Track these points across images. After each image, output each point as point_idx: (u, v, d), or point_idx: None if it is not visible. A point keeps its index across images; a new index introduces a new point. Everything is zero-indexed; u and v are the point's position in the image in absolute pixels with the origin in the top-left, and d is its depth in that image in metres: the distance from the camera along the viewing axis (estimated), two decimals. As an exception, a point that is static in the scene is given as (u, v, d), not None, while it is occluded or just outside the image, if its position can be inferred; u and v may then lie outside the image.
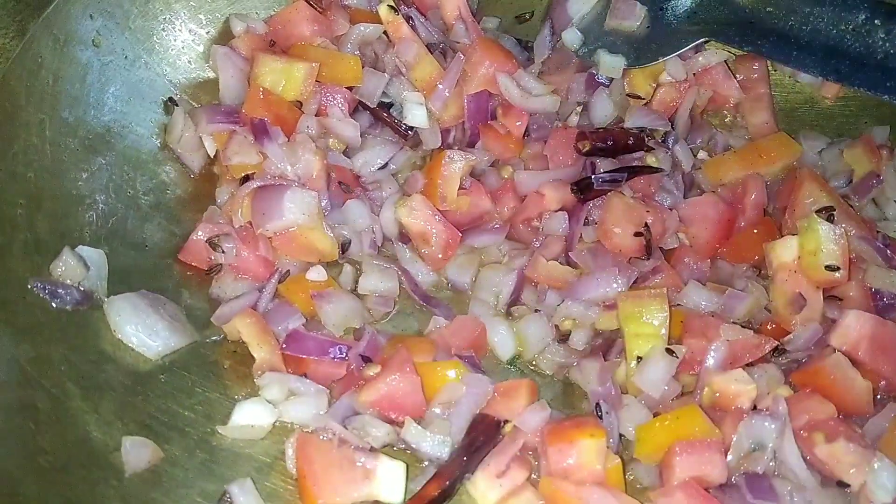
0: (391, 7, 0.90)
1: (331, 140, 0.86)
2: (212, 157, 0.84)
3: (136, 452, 0.63)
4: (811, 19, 0.82)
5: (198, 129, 0.82)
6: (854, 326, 0.73)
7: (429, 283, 0.85)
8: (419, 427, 0.71)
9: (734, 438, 0.69)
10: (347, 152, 0.87)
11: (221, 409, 0.72)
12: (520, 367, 0.80)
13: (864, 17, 0.75)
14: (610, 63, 0.88)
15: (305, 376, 0.73)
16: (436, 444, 0.71)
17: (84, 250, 0.72)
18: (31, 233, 0.71)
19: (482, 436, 0.72)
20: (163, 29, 0.87)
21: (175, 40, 0.88)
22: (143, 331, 0.71)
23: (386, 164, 0.88)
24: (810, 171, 0.85)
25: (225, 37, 0.92)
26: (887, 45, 0.77)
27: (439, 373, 0.74)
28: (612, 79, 0.91)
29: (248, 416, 0.69)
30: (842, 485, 0.68)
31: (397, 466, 0.68)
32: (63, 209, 0.74)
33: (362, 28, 0.90)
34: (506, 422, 0.71)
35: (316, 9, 0.88)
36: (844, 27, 0.80)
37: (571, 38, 0.90)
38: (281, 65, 0.84)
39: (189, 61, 0.89)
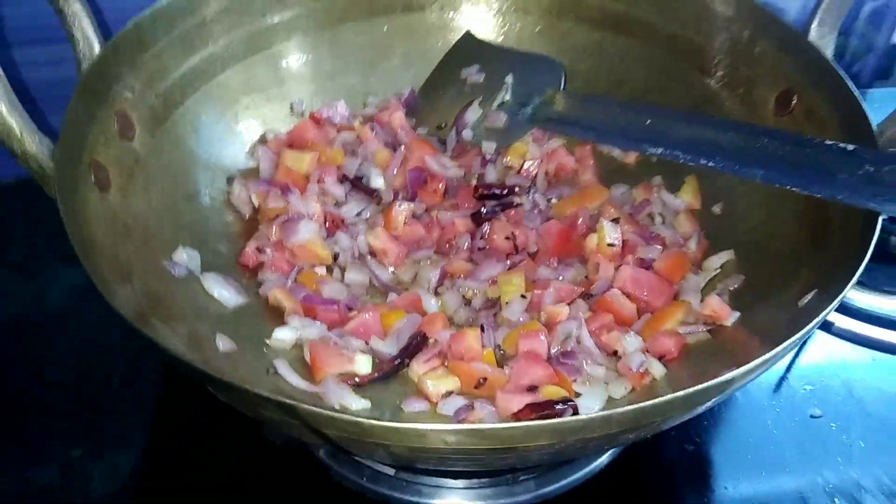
0: (362, 123, 1.50)
1: (326, 197, 1.43)
2: (256, 208, 1.40)
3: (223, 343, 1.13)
4: (604, 118, 1.39)
5: (249, 192, 1.38)
6: (622, 273, 1.22)
7: (387, 278, 1.36)
8: (378, 340, 1.21)
9: (557, 331, 1.19)
10: (337, 206, 1.44)
11: (266, 333, 1.22)
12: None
13: (618, 108, 1.31)
14: (486, 146, 1.43)
15: (315, 318, 1.24)
16: (387, 346, 1.21)
17: (188, 249, 1.24)
18: (161, 239, 1.24)
19: (414, 343, 1.22)
20: (231, 141, 1.47)
21: (234, 145, 1.47)
22: (223, 292, 1.22)
23: (360, 212, 1.44)
24: (609, 201, 1.39)
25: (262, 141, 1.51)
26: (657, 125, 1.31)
27: (392, 315, 1.25)
28: (496, 157, 1.49)
29: (282, 335, 1.19)
30: (615, 353, 1.17)
31: (368, 358, 1.17)
32: (174, 232, 1.28)
33: (344, 135, 1.49)
34: (423, 334, 1.21)
35: (317, 125, 1.47)
36: (626, 119, 1.36)
37: (467, 135, 1.48)
38: (296, 154, 1.42)
39: (240, 156, 1.47)
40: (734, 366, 0.88)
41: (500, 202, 1.38)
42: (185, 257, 1.21)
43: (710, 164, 1.16)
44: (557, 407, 1.04)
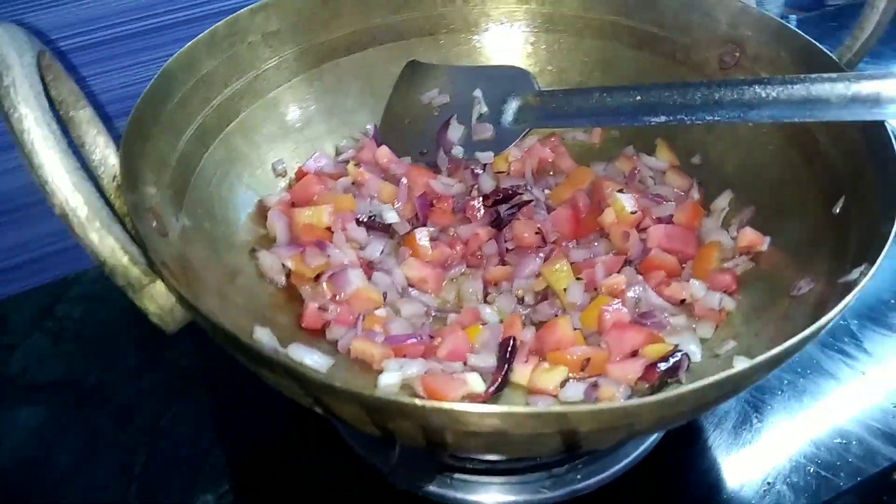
0: (356, 164, 1.51)
1: (352, 243, 1.42)
2: (288, 273, 1.36)
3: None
4: (580, 104, 1.50)
5: (281, 258, 1.34)
6: (655, 233, 1.36)
7: (434, 304, 1.40)
8: (473, 356, 1.25)
9: (626, 298, 1.29)
10: (362, 249, 1.44)
11: (364, 384, 1.21)
12: (505, 324, 1.36)
13: (598, 94, 1.45)
14: (484, 157, 1.51)
15: (405, 356, 1.24)
16: (484, 360, 1.25)
17: (258, 328, 1.18)
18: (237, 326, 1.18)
19: (505, 349, 1.27)
20: (236, 216, 1.41)
21: (239, 219, 1.42)
22: (314, 357, 1.18)
23: (382, 250, 1.45)
24: (602, 177, 1.52)
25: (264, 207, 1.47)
26: (609, 100, 1.45)
27: (472, 331, 1.29)
28: (485, 166, 1.57)
29: (388, 380, 1.19)
30: (682, 302, 1.30)
31: (477, 376, 1.20)
32: (238, 316, 1.22)
33: (342, 182, 1.49)
34: (513, 337, 1.26)
35: (318, 179, 1.46)
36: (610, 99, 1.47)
37: (457, 152, 1.55)
38: (312, 210, 1.40)
39: (249, 226, 1.42)
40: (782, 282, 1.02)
41: (511, 204, 1.46)
42: (265, 337, 1.17)
43: (689, 118, 1.31)
44: (673, 359, 1.15)
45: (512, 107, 1.52)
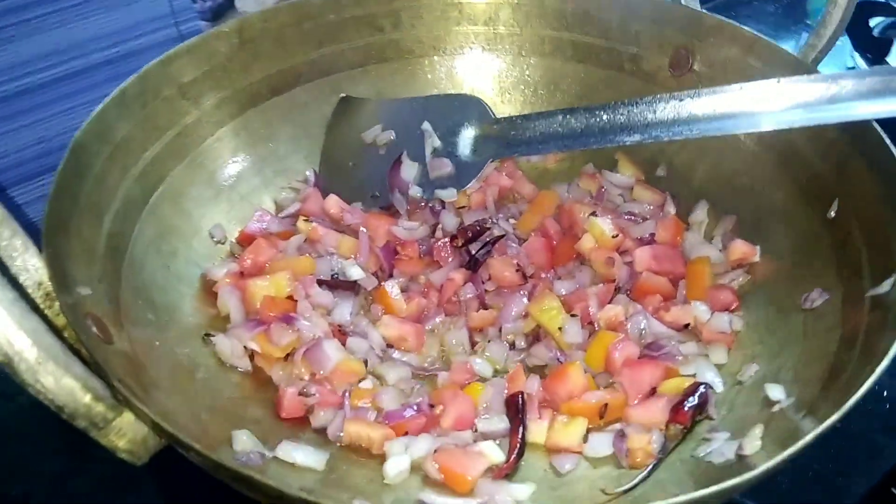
0: (305, 220, 1.34)
1: (319, 310, 1.26)
2: (253, 355, 1.18)
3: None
4: (539, 129, 1.39)
5: (242, 340, 1.16)
6: (640, 255, 1.29)
7: (417, 363, 1.26)
8: (481, 421, 1.12)
9: (628, 331, 1.21)
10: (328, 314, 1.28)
11: (369, 475, 1.05)
12: (503, 375, 1.23)
13: (560, 116, 1.35)
14: (447, 195, 1.39)
15: (406, 433, 1.10)
16: (494, 423, 1.12)
17: (237, 433, 1.01)
18: (211, 437, 1.00)
19: (513, 407, 1.15)
20: (180, 301, 1.21)
21: (184, 303, 1.22)
22: (307, 456, 1.02)
23: (351, 311, 1.29)
24: (570, 202, 1.43)
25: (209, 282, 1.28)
26: (574, 122, 1.34)
27: (473, 389, 1.16)
28: (445, 203, 1.44)
29: (396, 466, 1.04)
30: (686, 326, 1.23)
31: (492, 444, 1.07)
32: (210, 423, 1.04)
33: (293, 241, 1.32)
34: (521, 393, 1.15)
35: (268, 242, 1.29)
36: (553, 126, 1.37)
37: (415, 191, 1.42)
38: (268, 280, 1.23)
39: (196, 309, 1.23)
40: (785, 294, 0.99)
41: (483, 242, 1.34)
42: (245, 443, 0.99)
43: (667, 134, 1.24)
44: (698, 395, 1.07)
45: (468, 137, 1.41)
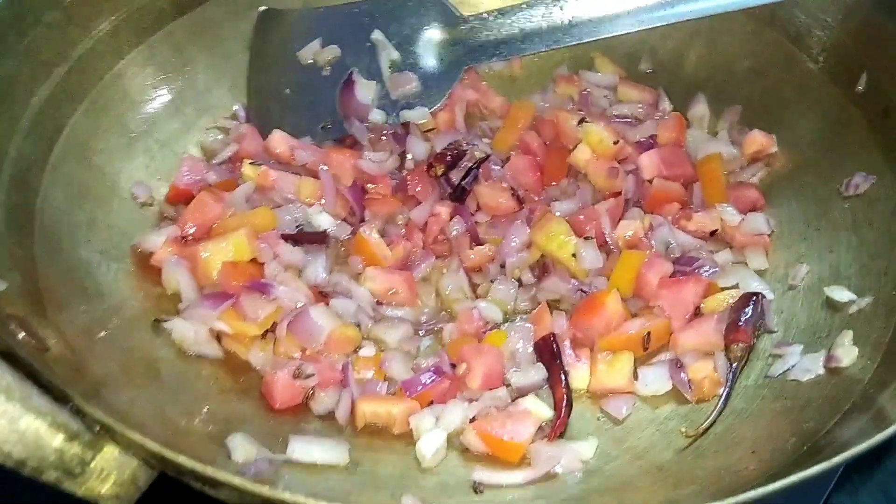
0: (251, 163, 1.10)
1: (291, 271, 1.04)
2: (220, 337, 0.96)
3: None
4: (518, 25, 1.18)
5: (205, 322, 0.94)
6: (647, 161, 1.15)
7: (415, 317, 1.08)
8: (515, 374, 0.96)
9: (653, 247, 1.08)
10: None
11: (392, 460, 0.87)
12: (513, 317, 1.06)
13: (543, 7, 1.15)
14: (417, 115, 1.18)
15: (432, 403, 0.92)
16: (528, 375, 0.97)
17: (234, 439, 0.80)
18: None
19: (547, 353, 1.00)
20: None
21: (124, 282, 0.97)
22: (328, 452, 0.83)
23: (325, 267, 1.08)
24: (553, 110, 1.26)
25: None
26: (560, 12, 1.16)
27: (496, 338, 1.00)
28: (409, 128, 1.23)
29: (430, 444, 0.87)
30: (712, 234, 1.10)
31: (534, 398, 0.92)
32: (189, 434, 0.82)
33: (241, 190, 1.09)
34: (553, 334, 0.99)
35: (213, 196, 1.04)
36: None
37: (377, 116, 1.20)
38: (223, 243, 0.99)
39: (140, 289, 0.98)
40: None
41: (467, 167, 1.15)
42: (247, 450, 0.79)
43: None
44: (752, 306, 0.95)
45: (430, 44, 1.19)
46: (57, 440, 0.50)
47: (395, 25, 1.20)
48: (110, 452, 0.57)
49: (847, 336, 0.85)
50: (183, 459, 0.57)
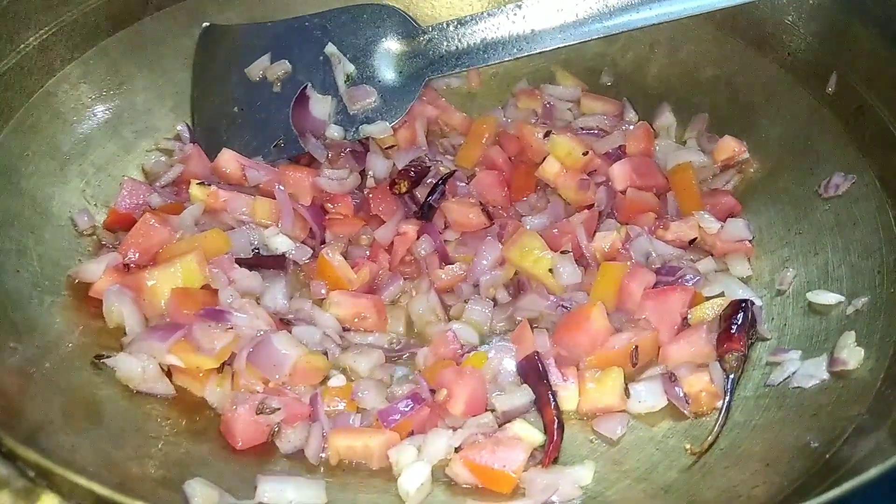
0: (199, 184, 1.02)
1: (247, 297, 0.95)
2: (175, 372, 0.86)
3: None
4: (480, 35, 1.13)
5: (158, 358, 0.84)
6: (619, 171, 1.11)
7: (385, 342, 1.00)
8: (500, 398, 0.89)
9: (632, 258, 1.03)
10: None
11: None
12: (490, 338, 0.99)
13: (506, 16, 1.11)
14: (378, 130, 1.12)
15: (412, 434, 0.84)
16: (515, 398, 0.90)
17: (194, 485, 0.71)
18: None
19: (532, 373, 0.93)
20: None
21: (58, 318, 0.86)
22: (304, 493, 0.74)
23: (283, 293, 1.00)
24: (517, 124, 1.20)
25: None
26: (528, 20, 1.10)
27: (474, 359, 0.92)
28: (368, 145, 1.17)
29: (412, 480, 0.78)
30: (691, 243, 1.05)
31: (523, 422, 0.85)
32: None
33: (192, 210, 1.00)
34: (537, 353, 0.93)
35: (158, 218, 0.95)
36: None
37: (334, 132, 1.13)
38: (171, 269, 0.90)
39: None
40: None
41: (432, 183, 1.09)
42: (207, 496, 0.70)
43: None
44: (742, 313, 0.90)
45: (389, 56, 1.14)
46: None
47: (350, 38, 1.14)
48: (49, 503, 0.47)
49: (849, 337, 0.82)
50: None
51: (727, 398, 0.85)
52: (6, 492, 0.43)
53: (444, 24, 1.13)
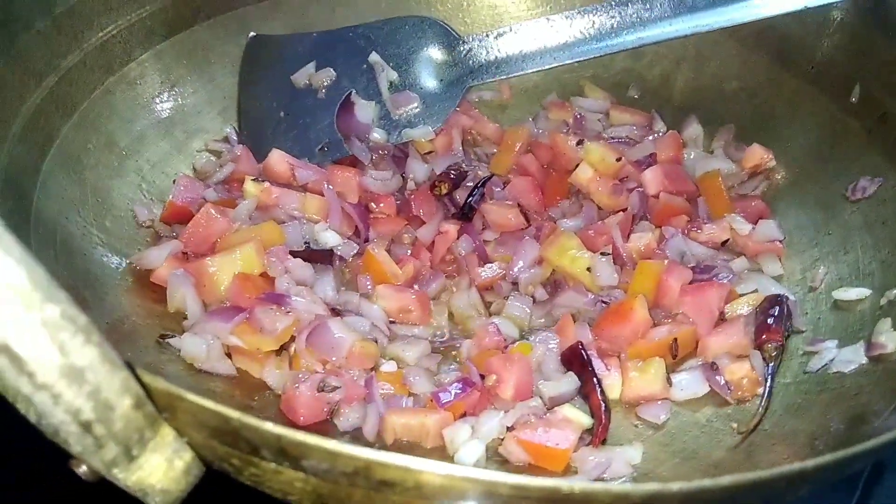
0: (253, 180, 1.06)
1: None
2: (235, 354, 0.89)
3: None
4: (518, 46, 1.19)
5: (221, 339, 0.87)
6: (651, 177, 1.16)
7: (429, 335, 1.03)
8: (546, 384, 0.92)
9: (668, 257, 1.07)
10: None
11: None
12: (529, 334, 1.02)
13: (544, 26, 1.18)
14: (421, 133, 1.17)
15: (465, 415, 0.87)
16: (559, 385, 0.93)
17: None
18: None
19: (576, 362, 0.96)
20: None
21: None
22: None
23: (333, 285, 1.03)
24: (549, 133, 1.24)
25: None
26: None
27: (520, 349, 0.96)
28: (408, 150, 1.21)
29: (469, 453, 0.81)
30: (723, 244, 1.10)
31: (572, 406, 0.88)
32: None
33: (247, 204, 1.04)
34: (581, 343, 0.96)
35: (219, 208, 0.99)
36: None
37: (378, 136, 1.18)
38: (232, 256, 0.94)
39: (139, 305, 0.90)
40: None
41: (471, 186, 1.13)
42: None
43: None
44: (777, 307, 0.94)
45: (430, 65, 1.19)
46: (124, 404, 0.44)
47: (393, 48, 1.20)
48: (167, 437, 0.50)
49: (886, 323, 0.86)
50: (269, 426, 0.52)
51: (769, 383, 0.88)
52: (141, 413, 0.46)
53: (484, 35, 1.19)
